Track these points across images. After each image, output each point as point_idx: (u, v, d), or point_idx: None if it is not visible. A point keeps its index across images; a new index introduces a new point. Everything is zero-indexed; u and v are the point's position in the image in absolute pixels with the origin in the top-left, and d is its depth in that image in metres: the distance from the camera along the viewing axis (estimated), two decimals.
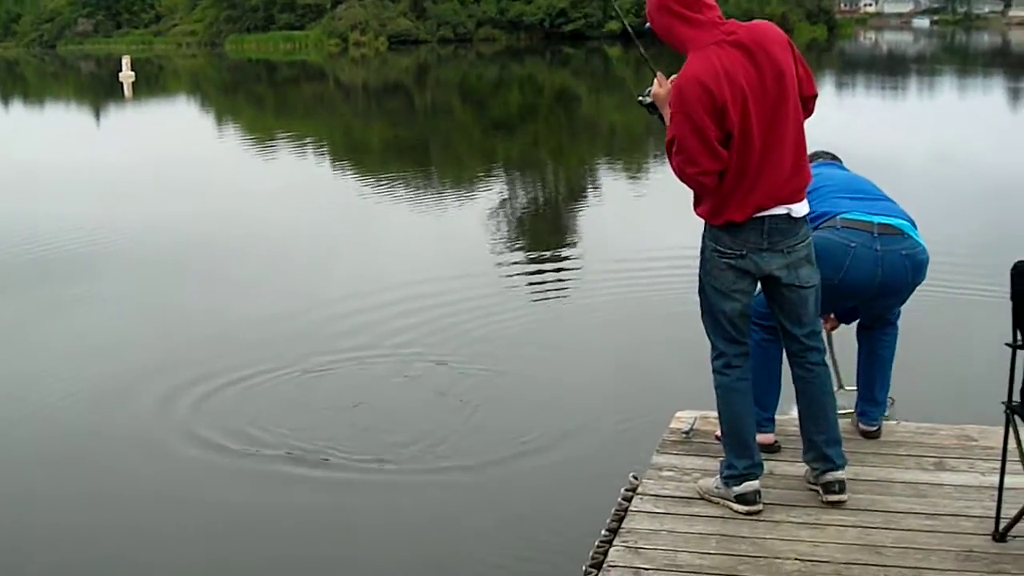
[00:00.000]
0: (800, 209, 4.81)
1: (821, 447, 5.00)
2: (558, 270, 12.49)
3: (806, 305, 4.94)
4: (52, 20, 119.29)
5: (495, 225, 15.42)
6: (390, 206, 17.16)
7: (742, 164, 4.65)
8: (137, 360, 9.40)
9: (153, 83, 58.30)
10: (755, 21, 4.83)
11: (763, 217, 4.72)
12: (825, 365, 5.08)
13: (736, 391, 4.97)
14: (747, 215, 4.70)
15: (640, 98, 4.97)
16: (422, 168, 22.71)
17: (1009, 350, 4.51)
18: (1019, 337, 4.51)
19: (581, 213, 16.75)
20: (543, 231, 15.47)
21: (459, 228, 15.25)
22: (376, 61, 74.98)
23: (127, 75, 52.60)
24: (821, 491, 4.98)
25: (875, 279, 5.26)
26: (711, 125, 4.57)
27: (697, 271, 4.92)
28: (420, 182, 20.25)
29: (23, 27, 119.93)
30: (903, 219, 5.40)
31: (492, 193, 18.67)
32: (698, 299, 4.97)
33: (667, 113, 4.77)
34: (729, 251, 4.77)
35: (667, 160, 4.78)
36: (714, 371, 5.02)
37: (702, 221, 4.84)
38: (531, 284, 11.83)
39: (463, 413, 7.96)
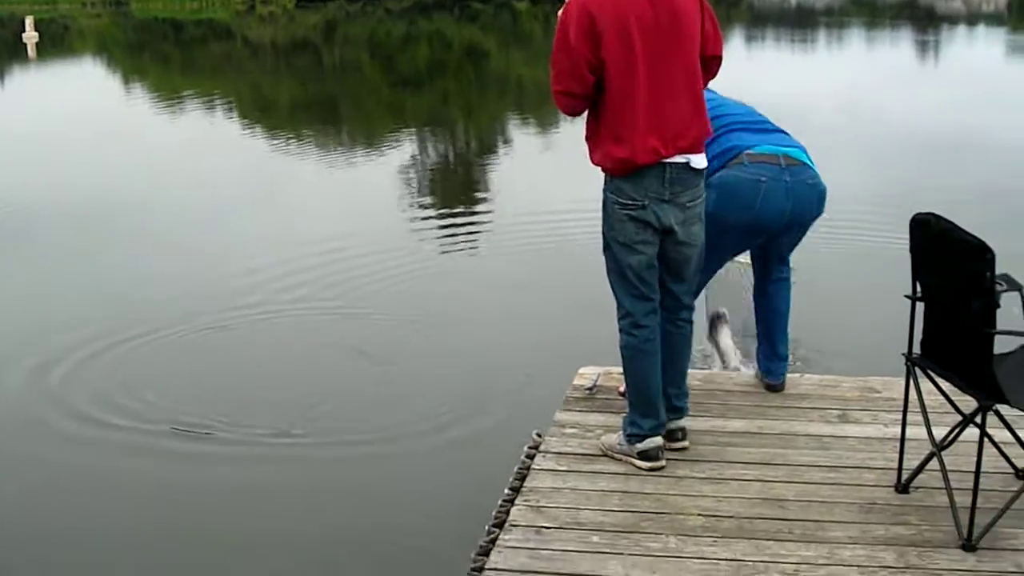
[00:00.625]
0: (700, 161, 4.76)
1: (672, 399, 5.04)
2: (467, 224, 12.48)
3: (690, 263, 4.92)
4: None
5: (405, 182, 15.35)
6: (299, 164, 16.97)
7: (625, 98, 4.61)
8: (18, 323, 9.15)
9: (58, 43, 57.01)
10: None
11: (664, 164, 4.65)
12: (692, 323, 5.11)
13: (643, 352, 4.89)
14: (646, 159, 4.61)
15: None
16: (331, 126, 22.51)
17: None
18: (918, 289, 4.51)
19: (491, 169, 16.70)
20: (452, 187, 15.42)
21: (368, 185, 15.14)
22: (283, 19, 74.05)
23: (30, 35, 51.43)
24: (666, 440, 4.99)
25: (786, 212, 5.29)
26: (584, 48, 4.56)
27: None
28: (329, 139, 20.07)
29: None
30: (801, 149, 5.42)
31: (402, 150, 18.56)
32: (603, 257, 4.90)
33: None
34: (631, 202, 4.69)
35: None
36: (620, 331, 4.93)
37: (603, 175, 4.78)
38: (440, 239, 11.84)
39: (365, 372, 7.91)
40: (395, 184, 14.99)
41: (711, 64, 4.85)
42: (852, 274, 9.46)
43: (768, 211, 5.25)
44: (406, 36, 52.54)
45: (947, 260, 4.28)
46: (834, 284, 8.78)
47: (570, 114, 4.79)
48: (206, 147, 18.76)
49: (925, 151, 16.00)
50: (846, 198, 10.38)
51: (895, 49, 38.88)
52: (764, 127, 5.50)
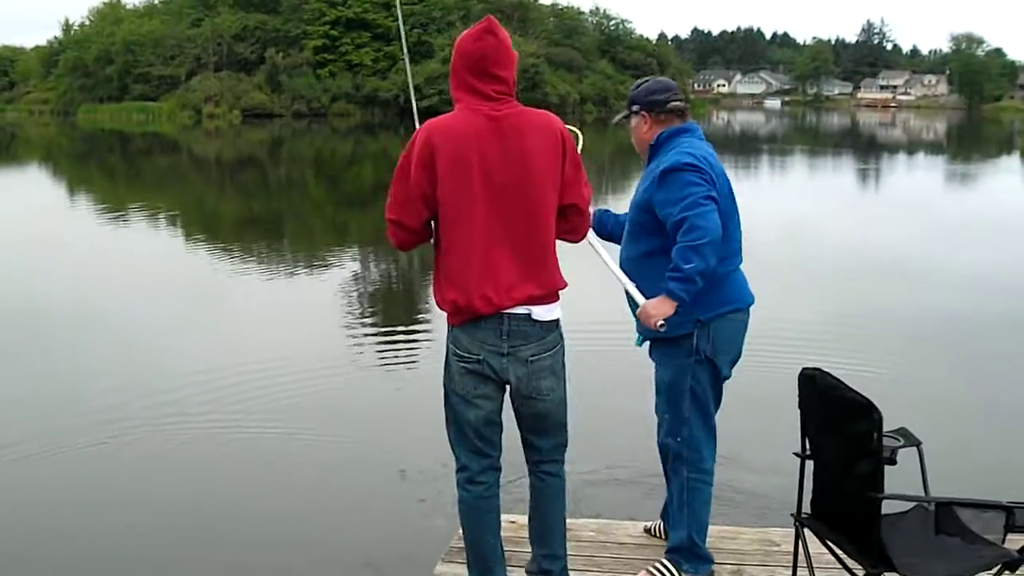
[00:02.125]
0: (544, 312, 4.52)
1: (540, 561, 4.81)
2: (407, 343, 12.58)
3: (545, 418, 4.64)
4: None
5: (345, 299, 15.49)
6: (240, 280, 17.04)
7: (461, 240, 4.40)
8: None
9: (3, 151, 57.22)
10: (539, 111, 4.56)
11: (502, 315, 4.43)
12: (560, 477, 4.77)
13: (478, 509, 4.66)
14: (479, 307, 4.41)
15: None
16: (275, 241, 22.70)
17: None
18: (807, 446, 4.45)
19: (430, 288, 16.86)
20: (393, 306, 15.57)
21: (309, 302, 15.21)
22: (230, 134, 74.58)
23: None
24: None
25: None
26: (421, 180, 4.35)
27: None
28: (272, 256, 20.21)
29: None
30: None
31: (344, 268, 18.77)
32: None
33: None
34: (467, 355, 4.49)
35: None
36: (457, 485, 4.71)
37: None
38: (376, 356, 11.93)
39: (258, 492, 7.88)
40: (336, 301, 15.12)
41: (568, 213, 4.56)
42: (769, 404, 9.35)
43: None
44: (351, 155, 53.03)
45: (834, 418, 4.19)
46: (752, 416, 8.32)
47: (399, 247, 4.54)
48: (147, 259, 18.88)
49: (860, 276, 16.55)
50: (779, 320, 10.75)
51: (837, 176, 39.77)
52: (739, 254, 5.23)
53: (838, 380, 4.16)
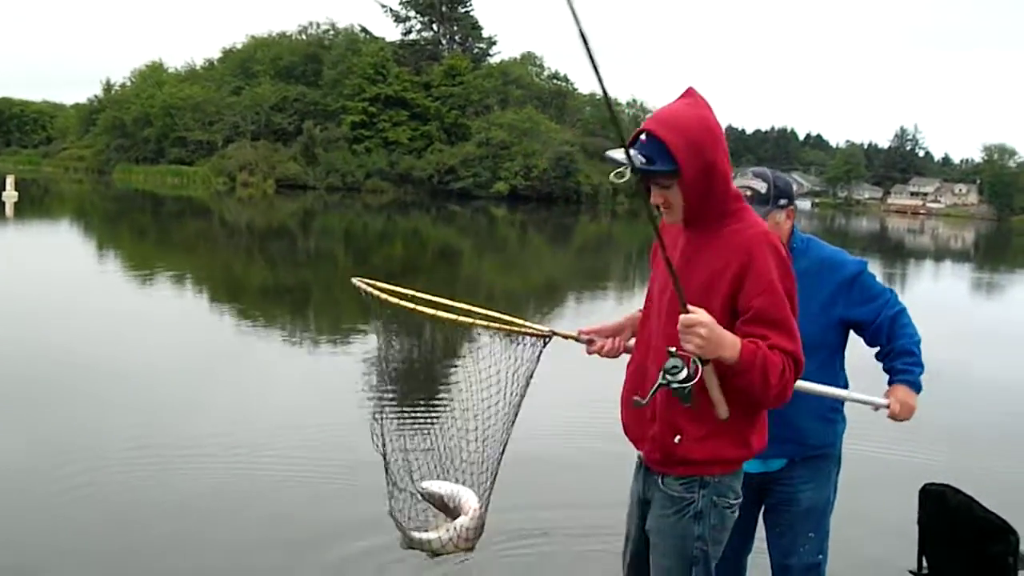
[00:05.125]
0: None
1: None
2: (423, 419, 12.50)
3: None
4: None
5: (365, 376, 15.41)
6: (260, 348, 17.02)
7: None
8: None
9: (37, 205, 57.72)
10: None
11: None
12: None
13: None
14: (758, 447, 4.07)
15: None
16: (299, 312, 22.74)
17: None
18: (924, 565, 4.37)
19: (452, 373, 16.77)
20: (412, 387, 15.45)
21: (328, 373, 15.19)
22: (263, 203, 75.16)
23: (10, 195, 52.32)
24: None
25: None
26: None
27: None
28: (295, 327, 20.25)
29: None
30: None
31: (366, 344, 18.70)
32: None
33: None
34: (736, 498, 4.09)
35: (774, 382, 3.76)
36: None
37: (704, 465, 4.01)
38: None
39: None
40: (354, 374, 15.06)
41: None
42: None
43: None
44: (382, 231, 53.27)
45: (963, 538, 4.05)
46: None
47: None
48: (170, 321, 18.91)
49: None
50: None
51: None
52: None
53: (971, 498, 4.10)
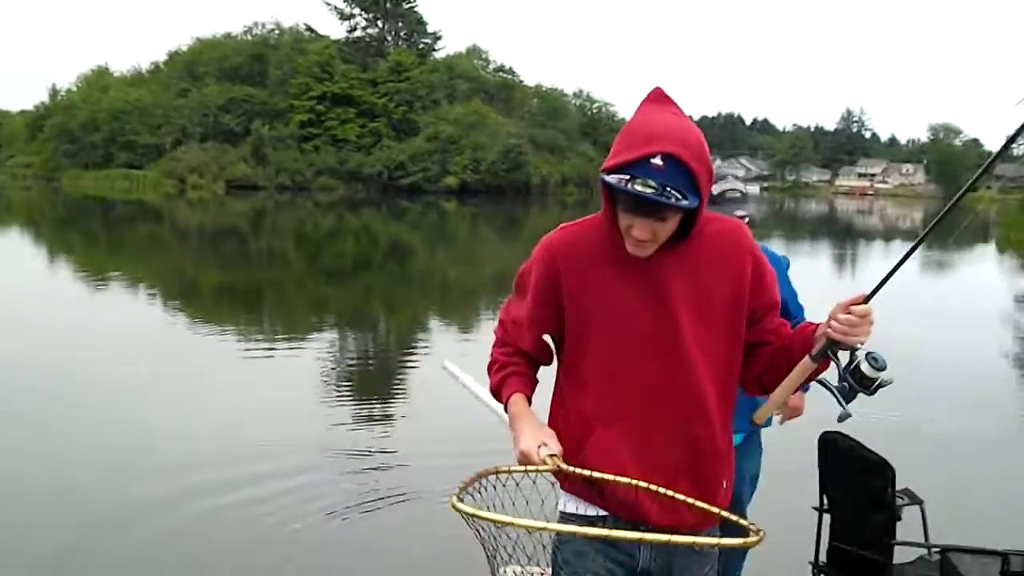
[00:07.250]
0: None
1: None
2: (380, 420, 12.60)
3: None
4: None
5: (321, 374, 15.46)
6: (214, 352, 17.01)
7: None
8: None
9: None
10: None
11: None
12: None
13: None
14: None
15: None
16: (253, 314, 22.84)
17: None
18: (824, 502, 4.94)
19: (409, 368, 16.78)
20: (368, 386, 15.42)
21: (283, 374, 15.15)
22: (213, 204, 74.85)
23: None
24: None
25: None
26: None
27: None
28: (250, 327, 20.30)
29: None
30: None
31: (321, 342, 18.81)
32: None
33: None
34: None
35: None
36: None
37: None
38: (348, 445, 11.53)
39: None
40: (310, 376, 15.08)
41: None
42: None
43: None
44: (333, 229, 53.26)
45: (851, 475, 4.65)
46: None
47: None
48: (124, 327, 18.94)
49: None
50: None
51: (813, 260, 40.09)
52: None
53: (857, 441, 4.62)
